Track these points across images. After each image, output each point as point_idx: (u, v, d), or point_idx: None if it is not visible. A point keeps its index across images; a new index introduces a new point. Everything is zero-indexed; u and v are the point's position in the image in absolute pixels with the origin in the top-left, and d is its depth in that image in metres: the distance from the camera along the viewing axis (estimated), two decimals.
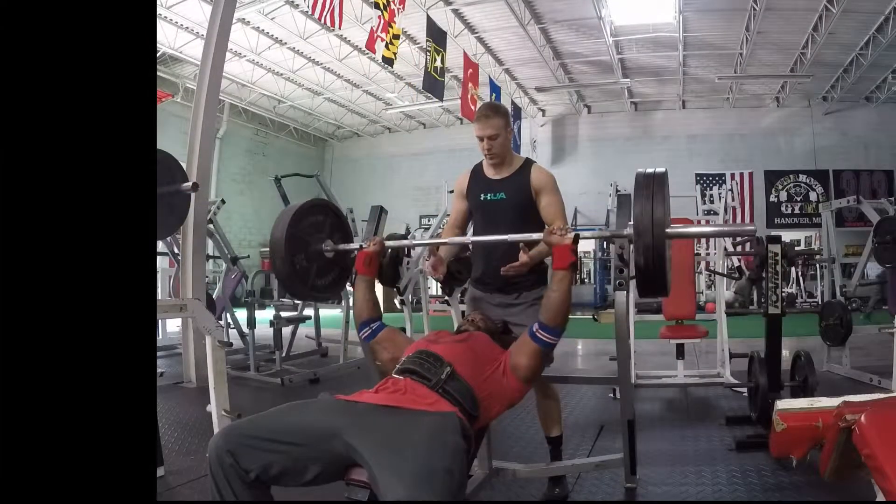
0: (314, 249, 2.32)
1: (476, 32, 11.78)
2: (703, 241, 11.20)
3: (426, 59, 9.75)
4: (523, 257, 2.16)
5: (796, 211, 14.99)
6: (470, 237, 2.59)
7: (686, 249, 4.55)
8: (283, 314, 5.56)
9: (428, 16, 9.52)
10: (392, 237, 5.06)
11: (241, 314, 6.00)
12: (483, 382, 1.81)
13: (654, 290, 1.86)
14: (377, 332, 2.17)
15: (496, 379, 1.86)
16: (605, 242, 13.48)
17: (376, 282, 2.37)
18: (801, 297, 12.38)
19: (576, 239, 1.94)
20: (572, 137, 16.61)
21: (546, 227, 2.15)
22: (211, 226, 5.77)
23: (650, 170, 1.88)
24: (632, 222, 1.84)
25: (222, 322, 5.74)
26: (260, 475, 1.49)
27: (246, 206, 15.28)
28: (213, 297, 5.91)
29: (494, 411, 1.89)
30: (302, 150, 17.95)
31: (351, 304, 2.57)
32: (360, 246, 2.28)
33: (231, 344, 4.72)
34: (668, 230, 1.79)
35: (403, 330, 5.33)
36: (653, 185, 1.81)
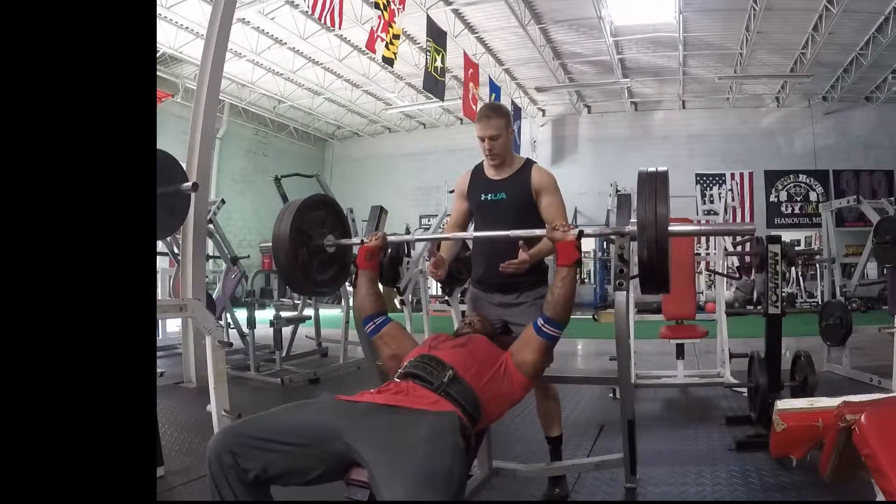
0: (316, 244, 2.33)
1: (476, 32, 11.78)
2: (703, 240, 11.24)
3: (426, 59, 9.76)
4: (523, 255, 2.16)
5: (796, 211, 15.00)
6: (472, 233, 2.59)
7: (686, 249, 4.55)
8: (283, 314, 5.56)
9: (428, 16, 9.52)
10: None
11: (241, 314, 6.00)
12: (485, 385, 1.81)
13: (655, 286, 1.89)
14: (381, 327, 2.15)
15: (497, 380, 1.86)
16: (605, 242, 13.51)
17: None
18: (801, 297, 12.38)
19: (579, 235, 1.95)
20: (572, 137, 16.61)
21: (548, 224, 2.15)
22: (211, 226, 5.76)
23: (652, 169, 1.90)
24: (634, 220, 1.86)
25: (222, 322, 5.74)
26: (259, 475, 1.49)
27: (246, 206, 15.27)
28: (213, 297, 5.90)
29: (496, 413, 1.89)
30: (302, 150, 17.95)
31: (351, 303, 2.57)
32: (362, 241, 2.28)
33: (231, 344, 4.71)
34: (669, 228, 1.82)
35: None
36: (655, 184, 1.84)
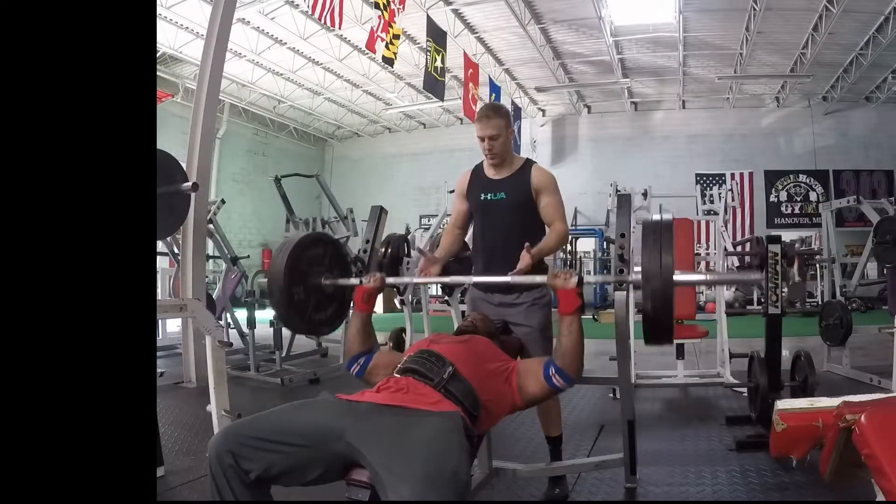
0: (313, 283, 2.26)
1: (476, 32, 11.78)
2: (703, 240, 11.24)
3: (426, 59, 9.75)
4: (525, 257, 2.16)
5: (796, 211, 14.99)
6: (471, 278, 2.55)
7: (687, 248, 4.55)
8: None
9: (428, 16, 9.52)
10: (391, 237, 5.07)
11: (241, 314, 6.00)
12: (485, 384, 1.80)
13: (660, 337, 1.83)
14: (367, 364, 2.08)
15: (499, 384, 1.85)
16: (605, 242, 13.52)
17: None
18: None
19: (580, 282, 1.92)
20: (572, 137, 16.60)
21: (547, 224, 2.13)
22: (211, 226, 5.77)
23: (657, 217, 1.86)
24: (637, 269, 1.83)
25: (222, 322, 5.74)
26: (260, 475, 1.49)
27: (246, 206, 15.28)
28: (213, 297, 5.91)
29: (496, 416, 1.87)
30: (302, 150, 17.94)
31: (351, 304, 2.56)
32: (360, 281, 2.23)
33: (231, 344, 4.71)
34: (675, 277, 1.78)
35: (403, 331, 5.36)
36: (660, 233, 1.80)
